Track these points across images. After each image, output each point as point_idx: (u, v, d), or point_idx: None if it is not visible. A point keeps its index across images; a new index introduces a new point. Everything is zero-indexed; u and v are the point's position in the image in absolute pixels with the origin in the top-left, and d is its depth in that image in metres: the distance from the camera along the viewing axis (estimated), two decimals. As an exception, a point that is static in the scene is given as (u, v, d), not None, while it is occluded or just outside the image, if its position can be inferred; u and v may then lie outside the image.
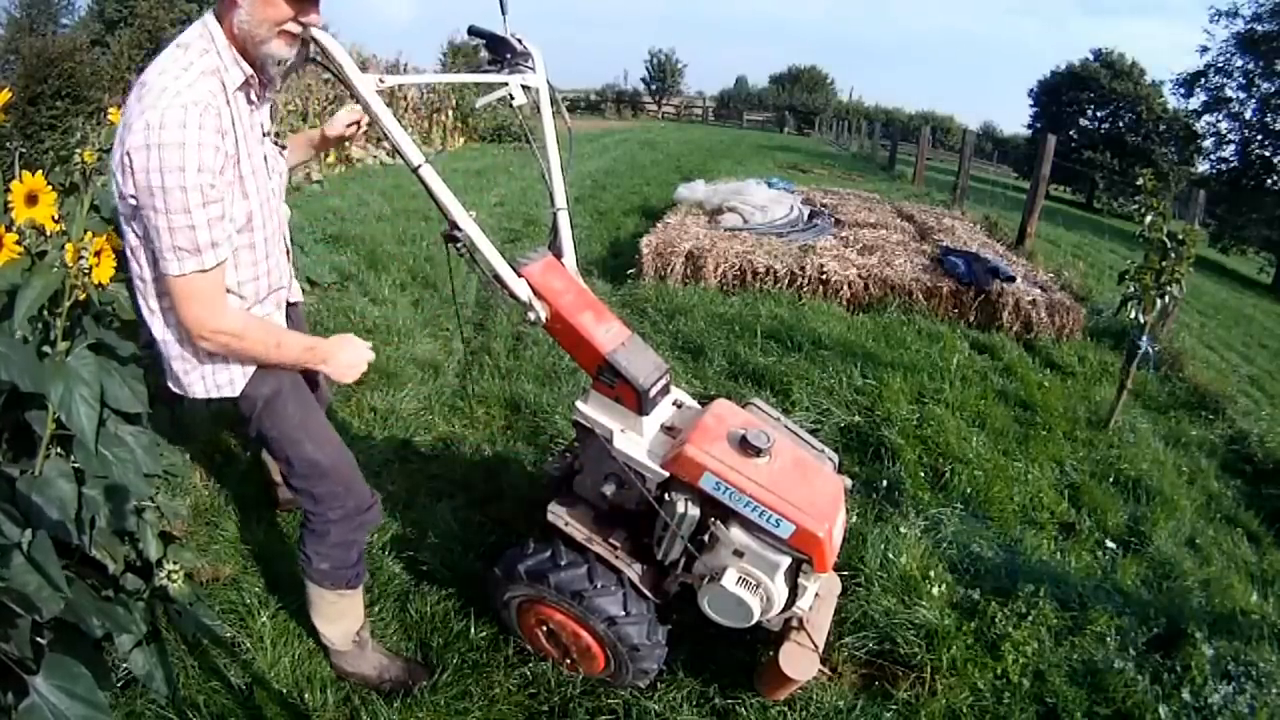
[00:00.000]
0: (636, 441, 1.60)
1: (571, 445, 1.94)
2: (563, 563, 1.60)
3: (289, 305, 1.67)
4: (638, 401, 1.56)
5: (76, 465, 1.32)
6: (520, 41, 1.69)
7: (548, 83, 1.69)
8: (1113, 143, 26.64)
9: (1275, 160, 20.31)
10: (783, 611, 1.58)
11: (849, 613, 1.96)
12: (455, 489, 2.42)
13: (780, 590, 1.53)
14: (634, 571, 1.60)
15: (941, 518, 2.44)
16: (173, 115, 1.16)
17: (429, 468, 2.54)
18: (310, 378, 1.65)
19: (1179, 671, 1.93)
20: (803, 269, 4.67)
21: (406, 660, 1.77)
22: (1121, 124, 27.43)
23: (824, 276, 4.65)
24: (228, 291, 1.37)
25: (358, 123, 1.75)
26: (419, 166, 1.40)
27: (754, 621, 1.54)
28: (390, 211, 6.27)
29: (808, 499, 1.50)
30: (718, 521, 1.54)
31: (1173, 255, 3.10)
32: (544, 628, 1.72)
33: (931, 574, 2.09)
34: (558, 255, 1.70)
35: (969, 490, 2.65)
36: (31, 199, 1.19)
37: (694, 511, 1.52)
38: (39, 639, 1.17)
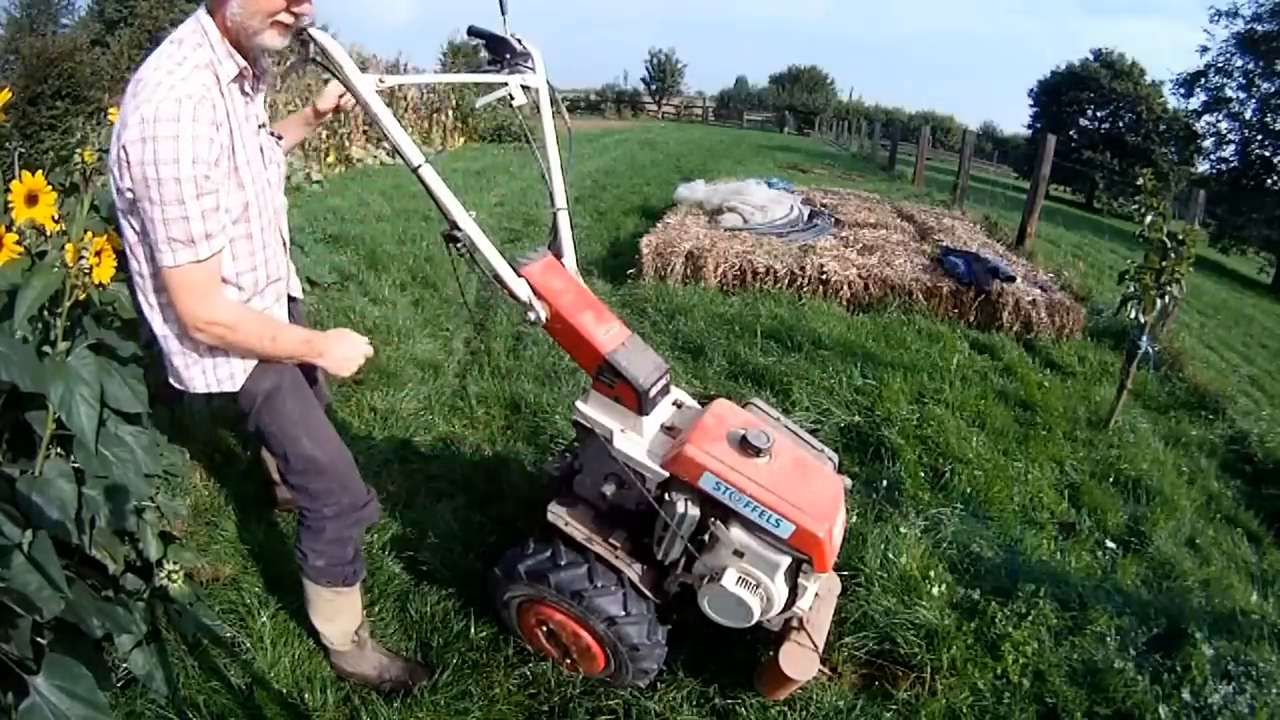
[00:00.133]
0: (636, 441, 1.60)
1: (571, 445, 1.94)
2: (563, 563, 1.60)
3: (290, 301, 1.67)
4: (638, 401, 1.56)
5: (76, 465, 1.32)
6: (520, 41, 1.69)
7: (547, 83, 1.69)
8: (1113, 143, 26.64)
9: (1275, 160, 20.29)
10: (783, 611, 1.58)
11: (849, 613, 1.96)
12: (455, 489, 2.42)
13: (780, 590, 1.53)
14: (634, 571, 1.60)
15: (941, 518, 2.44)
16: (167, 108, 1.17)
17: (429, 468, 2.54)
18: (309, 374, 1.65)
19: (1179, 671, 1.93)
20: (803, 269, 4.67)
21: (406, 660, 1.77)
22: (1121, 124, 27.43)
23: (824, 276, 4.65)
24: (226, 283, 1.37)
25: None
26: (419, 166, 1.40)
27: (754, 621, 1.54)
28: (390, 211, 6.28)
29: (808, 499, 1.50)
30: (718, 521, 1.54)
31: (1173, 255, 3.10)
32: (544, 628, 1.72)
33: (931, 574, 2.09)
34: (558, 255, 1.70)
35: (969, 490, 2.65)
36: (31, 199, 1.19)
37: (694, 511, 1.52)
38: (39, 639, 1.17)
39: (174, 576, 1.43)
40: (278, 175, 1.49)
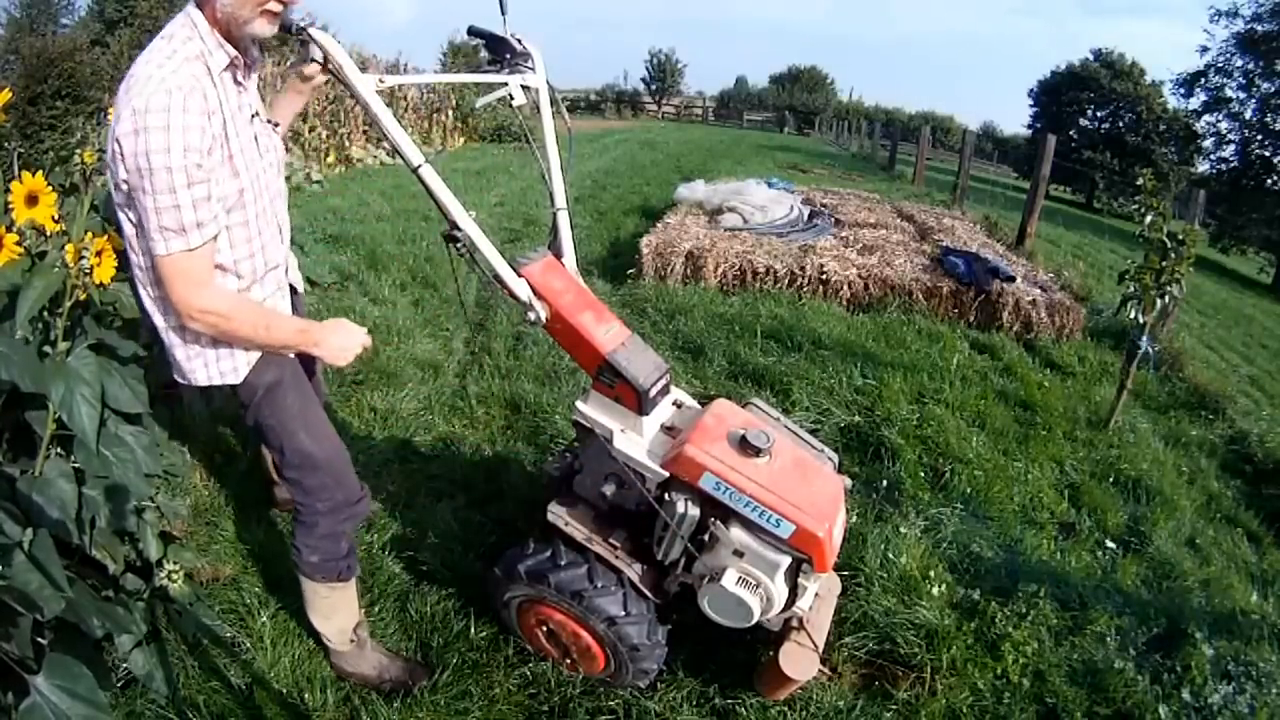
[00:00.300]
0: (636, 441, 1.60)
1: (571, 445, 1.95)
2: (563, 563, 1.60)
3: (293, 295, 1.68)
4: (638, 401, 1.56)
5: (77, 465, 1.32)
6: (520, 41, 1.70)
7: (547, 83, 1.69)
8: (1113, 143, 26.62)
9: (1275, 160, 20.28)
10: (783, 611, 1.58)
11: (849, 613, 1.96)
12: (455, 489, 2.42)
13: (780, 590, 1.53)
14: (634, 571, 1.60)
15: (941, 518, 2.44)
16: (157, 100, 1.19)
17: (429, 468, 2.54)
18: (307, 369, 1.65)
19: (1179, 671, 1.93)
20: (803, 269, 4.67)
21: (406, 660, 1.77)
22: (1121, 124, 27.41)
23: (824, 276, 4.65)
24: (225, 270, 1.38)
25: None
26: (419, 166, 1.40)
27: (754, 621, 1.54)
28: (390, 211, 6.28)
29: (808, 499, 1.50)
30: (718, 521, 1.54)
31: (1173, 255, 3.10)
32: (544, 628, 1.72)
33: (931, 574, 2.09)
34: (558, 255, 1.70)
35: (969, 490, 2.65)
36: (31, 199, 1.19)
37: (694, 511, 1.52)
38: (40, 639, 1.17)
39: (174, 576, 1.43)
40: (274, 163, 1.50)
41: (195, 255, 1.27)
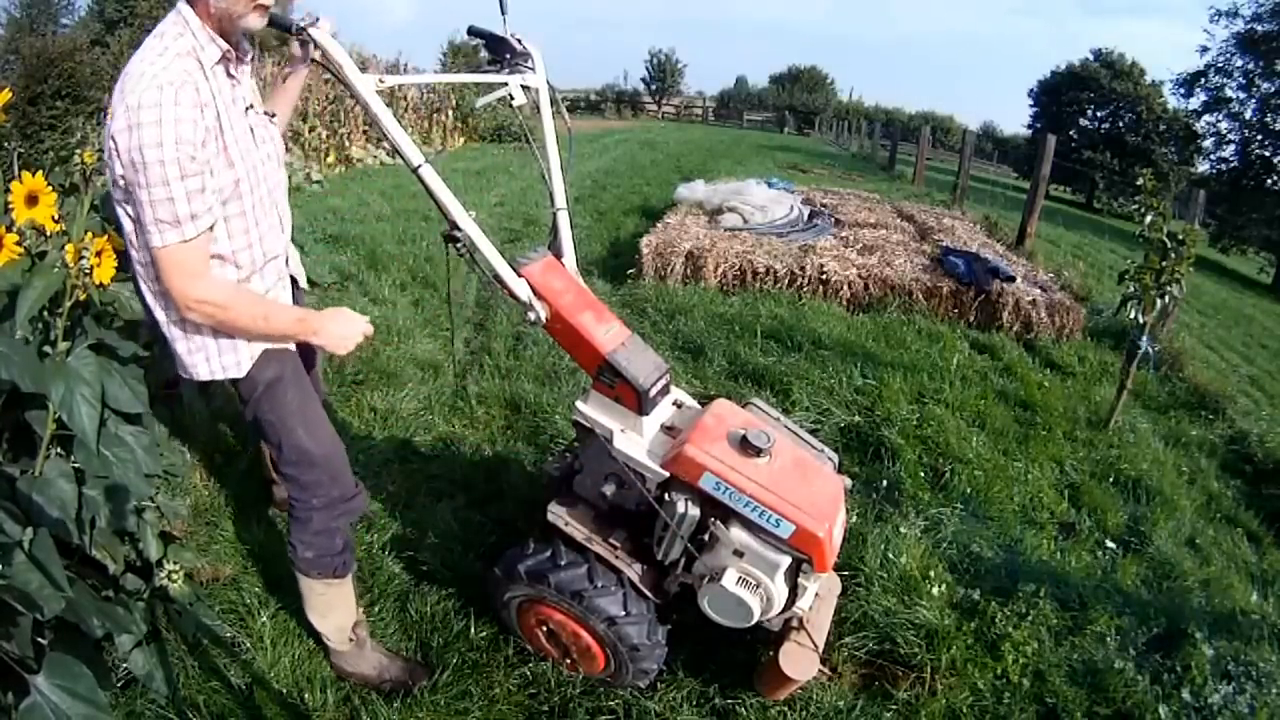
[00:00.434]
0: (636, 441, 1.60)
1: (571, 445, 1.95)
2: (563, 563, 1.60)
3: (295, 288, 1.68)
4: (638, 401, 1.56)
5: (77, 465, 1.32)
6: (520, 41, 1.70)
7: (547, 83, 1.69)
8: (1113, 143, 26.63)
9: (1275, 160, 20.28)
10: (783, 611, 1.58)
11: (849, 613, 1.96)
12: (455, 489, 2.42)
13: (780, 590, 1.53)
14: (634, 571, 1.60)
15: (941, 518, 2.44)
16: (149, 95, 1.21)
17: (429, 468, 2.54)
18: (307, 366, 1.66)
19: (1179, 671, 1.93)
20: (803, 269, 4.67)
21: (406, 660, 1.77)
22: (1121, 124, 27.42)
23: (824, 276, 4.65)
24: (224, 261, 1.39)
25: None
26: (419, 166, 1.40)
27: (754, 621, 1.54)
28: (390, 211, 6.28)
29: (808, 499, 1.50)
30: (718, 521, 1.54)
31: (1173, 255, 3.10)
32: (544, 628, 1.72)
33: (931, 574, 2.09)
34: (558, 255, 1.70)
35: (969, 490, 2.65)
36: (31, 199, 1.19)
37: (694, 511, 1.52)
38: (40, 638, 1.17)
39: (174, 576, 1.43)
40: (272, 154, 1.51)
41: (190, 246, 1.29)
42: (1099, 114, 28.36)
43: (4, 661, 1.06)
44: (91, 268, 1.21)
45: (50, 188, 1.21)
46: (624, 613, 1.58)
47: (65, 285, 1.22)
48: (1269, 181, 20.25)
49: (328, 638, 1.69)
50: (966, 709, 1.76)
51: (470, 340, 3.70)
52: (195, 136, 1.24)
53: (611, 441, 1.59)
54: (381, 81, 1.40)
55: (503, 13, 1.67)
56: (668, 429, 1.65)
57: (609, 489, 1.61)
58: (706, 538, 1.56)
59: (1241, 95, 21.18)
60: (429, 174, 1.41)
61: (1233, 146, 21.53)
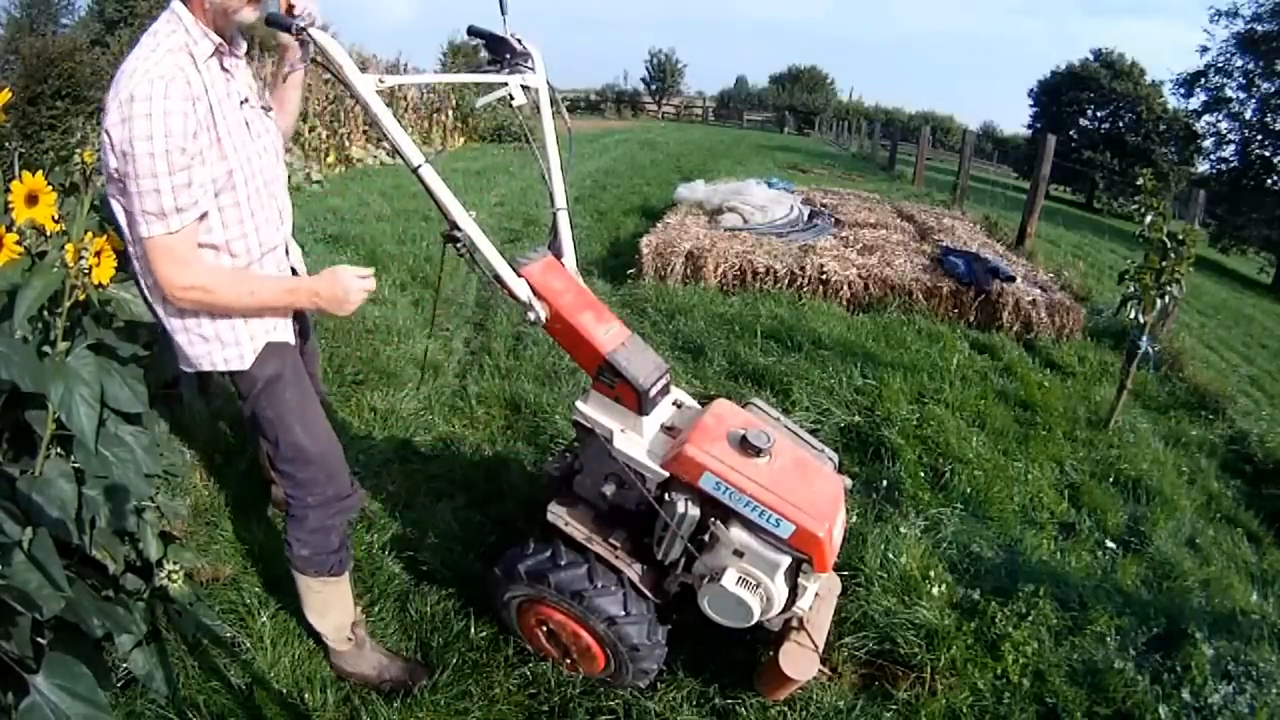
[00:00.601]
0: (636, 441, 1.60)
1: (571, 445, 1.94)
2: (563, 563, 1.60)
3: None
4: (638, 401, 1.56)
5: (76, 465, 1.32)
6: (520, 41, 1.69)
7: (547, 83, 1.69)
8: (1113, 143, 26.62)
9: (1275, 160, 20.28)
10: (783, 611, 1.58)
11: (849, 613, 1.96)
12: (455, 489, 2.42)
13: (780, 590, 1.53)
14: (634, 571, 1.60)
15: (941, 518, 2.44)
16: (141, 90, 1.23)
17: (429, 468, 2.54)
18: (308, 363, 1.65)
19: (1179, 671, 1.93)
20: (803, 269, 4.67)
21: (406, 660, 1.77)
22: (1121, 124, 27.41)
23: (824, 276, 4.65)
24: (218, 250, 1.40)
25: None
26: (419, 166, 1.40)
27: (754, 621, 1.54)
28: (390, 211, 6.28)
29: (808, 499, 1.50)
30: (718, 521, 1.54)
31: (1173, 255, 3.10)
32: (544, 628, 1.72)
33: (931, 574, 2.09)
34: (558, 255, 1.70)
35: (969, 490, 2.65)
36: (31, 199, 1.19)
37: (694, 511, 1.52)
38: (39, 638, 1.17)
39: (174, 576, 1.43)
40: (270, 147, 1.51)
41: (176, 236, 1.30)
42: (1099, 114, 28.36)
43: (4, 661, 1.06)
44: (91, 268, 1.21)
45: (50, 187, 1.21)
46: (624, 613, 1.58)
47: (65, 285, 1.22)
48: (1269, 181, 20.26)
49: (327, 637, 1.69)
50: (966, 709, 1.76)
51: (470, 340, 3.70)
52: (185, 129, 1.26)
53: (611, 441, 1.59)
54: (381, 81, 1.39)
55: (503, 13, 1.67)
56: (668, 429, 1.65)
57: (609, 489, 1.61)
58: (706, 538, 1.56)
59: (1241, 95, 21.21)
60: (429, 174, 1.41)
61: (1233, 146, 21.55)
